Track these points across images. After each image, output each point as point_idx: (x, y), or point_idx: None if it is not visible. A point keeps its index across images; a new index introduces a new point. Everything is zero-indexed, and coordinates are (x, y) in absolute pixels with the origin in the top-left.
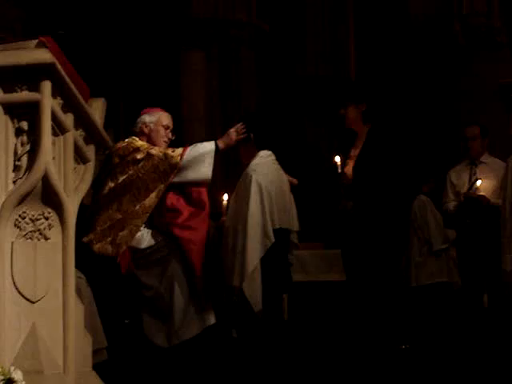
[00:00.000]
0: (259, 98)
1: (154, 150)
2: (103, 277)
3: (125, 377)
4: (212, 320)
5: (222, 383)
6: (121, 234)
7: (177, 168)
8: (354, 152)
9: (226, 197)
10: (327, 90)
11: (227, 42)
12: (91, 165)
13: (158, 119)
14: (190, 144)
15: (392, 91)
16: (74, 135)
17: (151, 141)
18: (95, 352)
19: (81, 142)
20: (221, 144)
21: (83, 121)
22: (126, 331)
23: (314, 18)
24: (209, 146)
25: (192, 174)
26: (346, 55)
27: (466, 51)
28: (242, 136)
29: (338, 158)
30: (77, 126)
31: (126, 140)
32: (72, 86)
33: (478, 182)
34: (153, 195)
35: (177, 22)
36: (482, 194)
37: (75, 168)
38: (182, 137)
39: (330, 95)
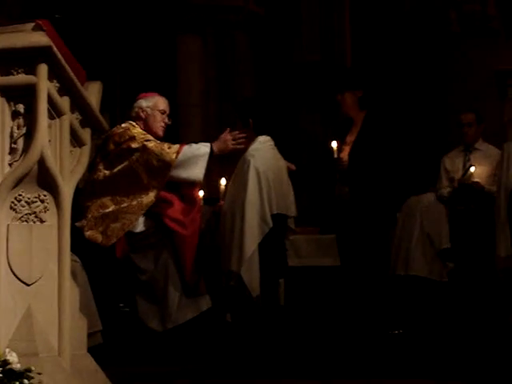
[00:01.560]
0: (255, 82)
1: (150, 143)
2: (98, 260)
3: (119, 360)
4: (207, 305)
5: (216, 367)
6: (113, 225)
7: (172, 166)
8: (350, 138)
9: (223, 181)
10: (322, 75)
11: (223, 27)
12: (87, 148)
13: (154, 104)
14: (186, 135)
15: (387, 78)
16: (70, 118)
17: (148, 125)
18: (90, 335)
19: (77, 125)
20: (215, 149)
21: (79, 104)
22: (121, 315)
23: (309, 3)
24: (204, 149)
25: (184, 174)
26: (341, 41)
27: (461, 38)
28: (239, 147)
29: (334, 144)
30: (73, 109)
31: (123, 125)
32: (68, 70)
33: (472, 169)
34: (152, 194)
35: (173, 7)
36: (476, 180)
37: (71, 151)
38: (178, 122)
39: (325, 81)
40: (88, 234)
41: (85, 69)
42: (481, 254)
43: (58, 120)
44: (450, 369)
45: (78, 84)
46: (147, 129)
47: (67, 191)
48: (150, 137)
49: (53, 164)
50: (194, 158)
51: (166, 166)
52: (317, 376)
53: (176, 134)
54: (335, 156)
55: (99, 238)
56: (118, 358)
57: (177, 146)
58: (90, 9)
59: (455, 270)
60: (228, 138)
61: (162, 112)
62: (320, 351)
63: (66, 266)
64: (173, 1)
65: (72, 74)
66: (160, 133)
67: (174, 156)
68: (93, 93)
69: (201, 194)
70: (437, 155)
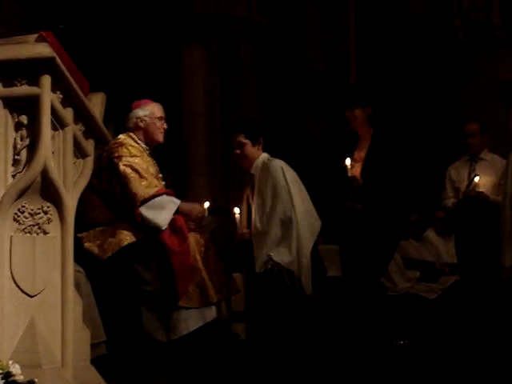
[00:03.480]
0: (259, 92)
1: (131, 173)
2: (102, 271)
3: (123, 371)
4: (212, 315)
5: (222, 378)
6: (110, 240)
7: (139, 202)
8: (359, 154)
9: (237, 210)
10: (327, 85)
11: (227, 37)
12: (91, 159)
13: (151, 112)
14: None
15: (392, 88)
16: (73, 129)
17: (148, 134)
18: (94, 346)
19: (80, 137)
20: (181, 206)
21: (83, 115)
22: (125, 325)
23: (314, 12)
24: (175, 201)
25: (151, 215)
26: (345, 50)
27: (467, 48)
28: (199, 223)
29: (348, 161)
30: (76, 120)
31: (120, 138)
32: (72, 81)
33: (477, 178)
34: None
35: (177, 17)
36: (481, 190)
37: (74, 162)
38: (183, 131)
39: (330, 90)
40: (86, 245)
41: (88, 80)
42: (486, 265)
43: (61, 131)
44: (456, 380)
45: (82, 95)
46: (147, 137)
47: (70, 202)
48: (135, 163)
49: (56, 175)
50: (165, 204)
51: (137, 199)
52: None
53: (181, 142)
54: (349, 174)
55: (95, 250)
56: (122, 370)
57: (154, 189)
58: (93, 19)
59: (461, 281)
60: (197, 209)
61: (160, 118)
62: (322, 361)
63: (70, 278)
64: (177, 11)
65: (75, 85)
66: (161, 139)
67: (147, 195)
68: (96, 104)
69: (206, 204)
70: (442, 166)
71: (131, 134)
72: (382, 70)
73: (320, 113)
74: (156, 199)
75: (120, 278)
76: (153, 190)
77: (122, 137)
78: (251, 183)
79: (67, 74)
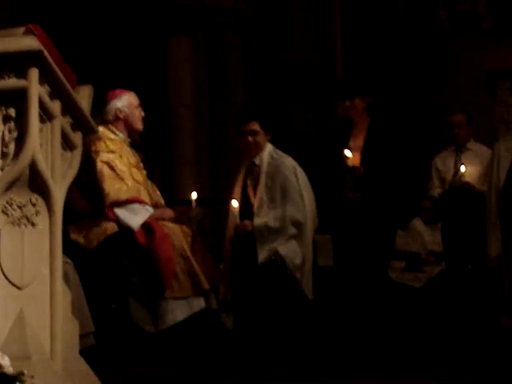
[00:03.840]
0: (246, 83)
1: (108, 171)
2: (90, 261)
3: (112, 362)
4: (199, 306)
5: (211, 369)
6: (95, 230)
7: (110, 203)
8: (355, 143)
9: (235, 203)
10: (313, 76)
11: (214, 28)
12: (78, 151)
13: (129, 102)
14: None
15: (378, 80)
16: (61, 122)
17: (128, 124)
18: (82, 337)
19: (68, 129)
20: (153, 214)
21: (70, 108)
22: (114, 316)
23: (301, 3)
24: (149, 208)
25: (124, 215)
26: (332, 42)
27: (452, 38)
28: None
29: (348, 152)
30: (64, 112)
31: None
32: (59, 74)
33: (463, 168)
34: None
35: (163, 8)
36: (467, 180)
37: (62, 155)
38: (169, 123)
39: (316, 81)
40: (72, 236)
41: (76, 72)
42: (472, 254)
43: (49, 124)
44: (441, 369)
45: (69, 88)
46: (128, 127)
47: (59, 195)
48: (112, 160)
49: (44, 168)
50: (137, 211)
51: (108, 200)
52: (313, 378)
53: (168, 134)
54: (349, 164)
55: (82, 240)
56: (111, 360)
57: (127, 196)
58: (79, 12)
59: (447, 271)
60: (167, 214)
61: (138, 106)
62: (314, 352)
63: (58, 270)
64: (163, 2)
65: (63, 78)
66: (141, 127)
67: (118, 199)
68: (84, 96)
69: (194, 195)
70: (427, 156)
71: (110, 126)
72: (368, 61)
73: (306, 104)
74: (129, 205)
75: (107, 268)
76: (125, 196)
77: (100, 129)
78: (253, 174)
79: (55, 66)
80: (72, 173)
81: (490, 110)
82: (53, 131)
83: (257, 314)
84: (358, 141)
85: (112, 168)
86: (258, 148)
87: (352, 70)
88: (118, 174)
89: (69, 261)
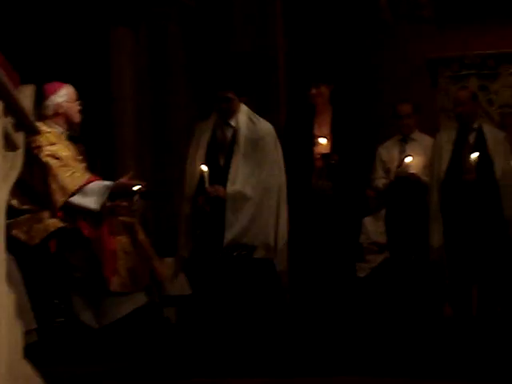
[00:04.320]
0: (187, 75)
1: (55, 163)
2: (32, 257)
3: (55, 359)
4: (142, 300)
5: (153, 362)
6: (36, 226)
7: (69, 195)
8: (321, 131)
9: (204, 168)
10: (255, 65)
11: (155, 20)
12: (21, 152)
13: (68, 96)
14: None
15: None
16: (3, 122)
17: (68, 118)
18: (25, 333)
19: (10, 129)
20: (114, 185)
21: (12, 108)
22: (56, 312)
23: None
24: (107, 183)
25: (82, 201)
26: (273, 31)
27: (393, 26)
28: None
29: (323, 140)
30: (6, 113)
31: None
32: (0, 73)
33: (408, 159)
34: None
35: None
36: (412, 171)
37: (5, 156)
38: (111, 115)
39: (258, 71)
40: (13, 232)
41: (16, 67)
42: (415, 245)
43: None
44: (385, 362)
45: (11, 87)
46: (68, 121)
47: (1, 195)
48: (55, 151)
49: None
50: (96, 190)
51: (66, 193)
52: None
53: (110, 126)
54: (324, 151)
55: (23, 236)
56: (54, 357)
57: (81, 180)
58: (19, 6)
59: (390, 261)
60: (125, 182)
61: (76, 100)
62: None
63: (2, 271)
64: None
65: (5, 78)
66: (79, 119)
67: (75, 187)
68: (26, 96)
69: (136, 188)
70: (370, 145)
71: (48, 121)
72: (309, 52)
73: (248, 93)
74: (86, 187)
75: (49, 264)
76: (80, 181)
77: (38, 125)
78: (226, 134)
79: None
80: (14, 174)
81: (431, 99)
82: None
83: (221, 302)
84: (324, 128)
85: (58, 158)
86: (232, 111)
87: (295, 59)
88: (64, 162)
89: (11, 257)
